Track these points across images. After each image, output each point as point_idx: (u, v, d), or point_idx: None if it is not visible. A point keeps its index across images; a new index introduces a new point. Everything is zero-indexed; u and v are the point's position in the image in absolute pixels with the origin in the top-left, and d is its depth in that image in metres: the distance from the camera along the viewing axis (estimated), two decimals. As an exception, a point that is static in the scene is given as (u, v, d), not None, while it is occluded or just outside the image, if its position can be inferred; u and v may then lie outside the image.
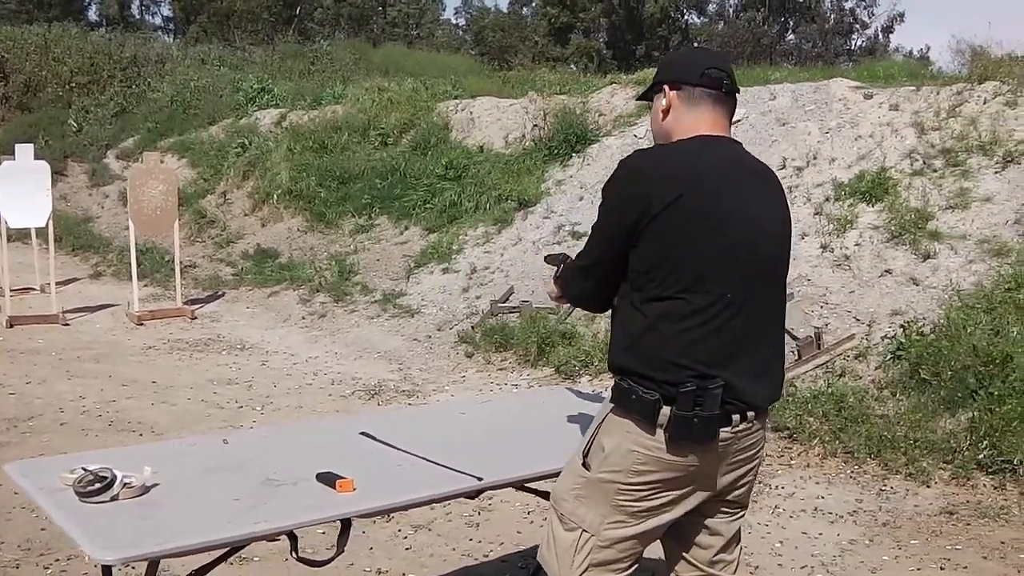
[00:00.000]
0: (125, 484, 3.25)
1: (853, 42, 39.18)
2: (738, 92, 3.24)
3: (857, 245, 9.26)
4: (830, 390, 7.60)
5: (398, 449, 3.75)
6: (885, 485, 6.61)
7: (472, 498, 3.71)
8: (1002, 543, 5.77)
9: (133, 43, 26.88)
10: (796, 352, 8.15)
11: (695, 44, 42.83)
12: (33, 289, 13.14)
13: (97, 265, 15.34)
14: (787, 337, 8.08)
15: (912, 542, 5.81)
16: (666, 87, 3.19)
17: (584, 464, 3.15)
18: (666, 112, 3.18)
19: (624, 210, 3.00)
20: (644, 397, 2.97)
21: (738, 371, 2.98)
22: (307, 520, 3.10)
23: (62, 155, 21.14)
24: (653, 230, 2.94)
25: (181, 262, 14.47)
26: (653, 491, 3.03)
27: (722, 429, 2.99)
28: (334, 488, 3.30)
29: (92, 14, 55.27)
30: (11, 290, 13.00)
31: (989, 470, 6.58)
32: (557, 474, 3.32)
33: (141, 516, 3.06)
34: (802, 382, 7.89)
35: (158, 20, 59.11)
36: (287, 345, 10.74)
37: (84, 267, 15.38)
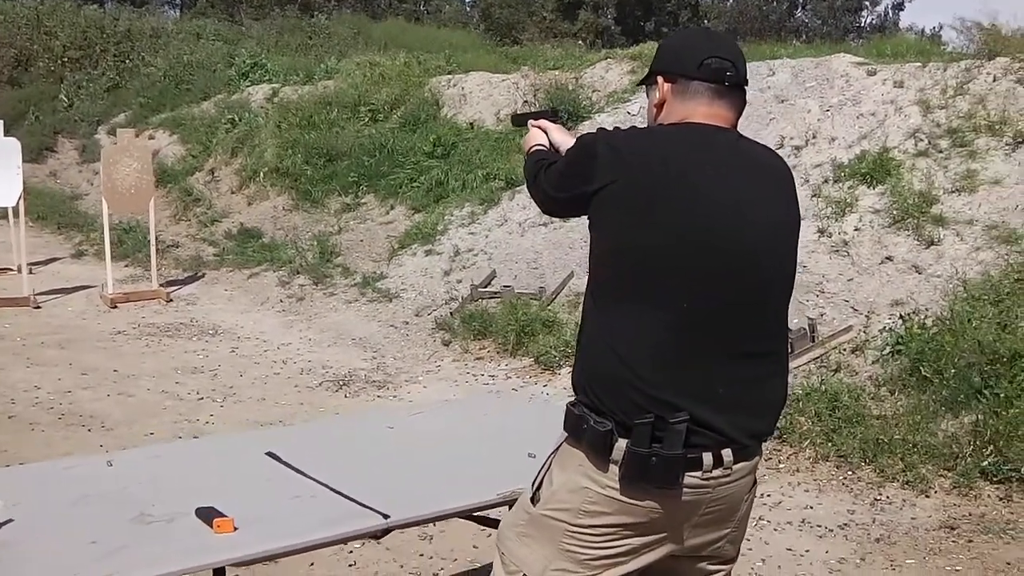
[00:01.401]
0: (-31, 520, 2.78)
1: (863, 20, 38.48)
2: (746, 84, 2.72)
3: (856, 230, 8.71)
4: (823, 387, 7.05)
5: (303, 474, 3.26)
6: (880, 494, 6.07)
7: (377, 539, 3.19)
8: (1008, 564, 5.25)
9: (127, 16, 26.37)
10: (789, 345, 7.63)
11: (704, 22, 42.07)
12: (11, 270, 12.65)
13: (80, 244, 14.88)
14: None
15: (908, 561, 5.31)
16: (660, 78, 2.71)
17: (533, 498, 2.68)
18: (659, 107, 2.72)
19: (567, 181, 2.72)
20: (595, 427, 2.51)
21: (709, 398, 2.49)
22: (169, 571, 2.61)
23: (52, 131, 20.76)
24: (595, 214, 2.58)
25: (165, 242, 14.11)
26: (606, 537, 2.55)
27: (690, 474, 2.48)
28: (211, 527, 2.81)
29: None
30: (-15, 271, 12.59)
31: (994, 479, 6.03)
32: (482, 508, 2.83)
33: (-27, 563, 2.59)
34: (794, 378, 7.34)
35: (166, -6, 58.39)
36: (261, 330, 10.27)
37: (67, 246, 14.93)
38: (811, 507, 5.95)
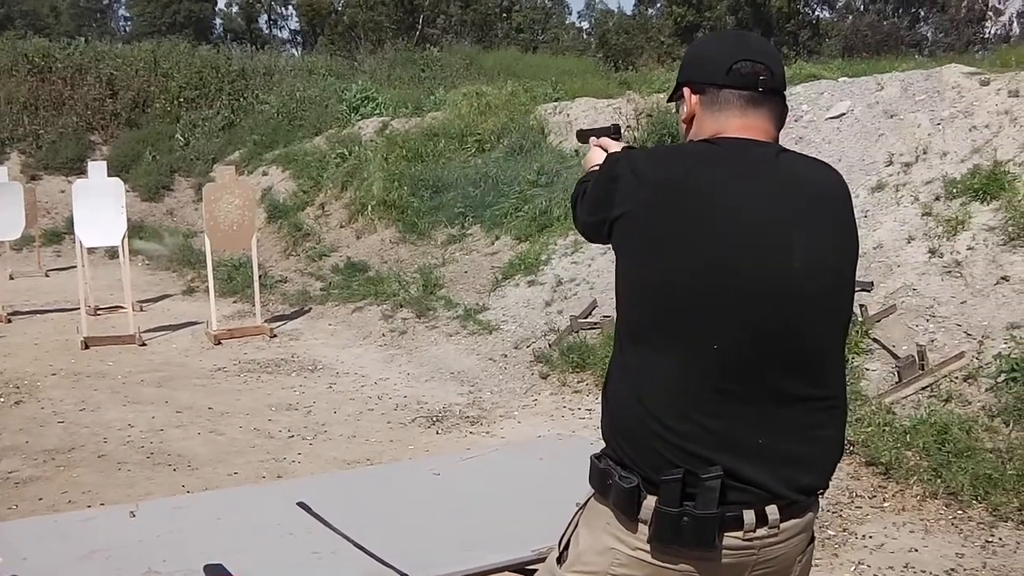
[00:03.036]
0: (-34, 580, 2.62)
1: (987, 31, 37.46)
2: (784, 89, 2.41)
3: (970, 249, 8.22)
4: (932, 419, 6.62)
5: (330, 527, 3.04)
6: (992, 535, 5.62)
7: (396, 601, 2.95)
8: None
9: (240, 56, 26.83)
10: (897, 374, 7.22)
11: (826, 40, 41.41)
12: (123, 307, 12.78)
13: (192, 281, 15.03)
14: (888, 358, 7.20)
15: (1020, 609, 4.90)
16: (686, 90, 2.43)
17: (559, 558, 2.42)
18: (689, 122, 2.43)
19: (591, 205, 2.45)
20: (620, 483, 2.24)
21: (747, 450, 2.21)
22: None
23: (169, 170, 21.17)
24: (616, 243, 2.33)
25: (274, 277, 14.19)
26: None
27: (729, 534, 2.21)
28: (215, 588, 2.61)
29: (217, 29, 56.10)
30: (98, 309, 12.74)
31: (1119, 517, 5.58)
32: (514, 566, 2.58)
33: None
34: (902, 408, 6.94)
35: (285, 34, 59.72)
36: (361, 365, 10.13)
37: (180, 284, 15.11)
38: (916, 550, 5.54)
